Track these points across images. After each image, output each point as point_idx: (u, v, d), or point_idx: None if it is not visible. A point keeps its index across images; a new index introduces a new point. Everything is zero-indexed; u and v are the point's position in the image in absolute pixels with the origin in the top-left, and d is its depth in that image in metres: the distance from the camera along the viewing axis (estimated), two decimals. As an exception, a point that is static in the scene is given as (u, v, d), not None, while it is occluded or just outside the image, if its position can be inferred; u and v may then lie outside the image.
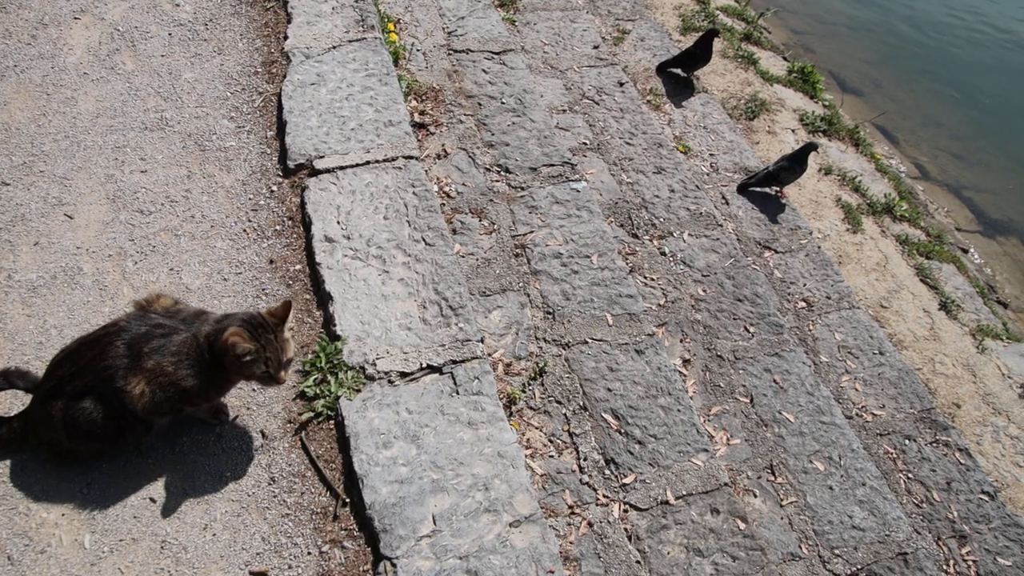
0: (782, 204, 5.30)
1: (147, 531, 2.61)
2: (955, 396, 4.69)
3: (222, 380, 2.63)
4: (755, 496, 3.59)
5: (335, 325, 3.15)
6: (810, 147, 5.20)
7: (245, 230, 3.54)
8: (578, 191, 4.36)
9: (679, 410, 3.52)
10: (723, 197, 5.23)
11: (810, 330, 4.58)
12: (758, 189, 5.31)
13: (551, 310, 3.81)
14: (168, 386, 2.46)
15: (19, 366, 2.80)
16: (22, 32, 4.24)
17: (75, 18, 4.37)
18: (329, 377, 3.01)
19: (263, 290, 3.32)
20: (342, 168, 3.75)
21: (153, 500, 2.68)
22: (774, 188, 5.34)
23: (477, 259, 3.94)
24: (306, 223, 3.54)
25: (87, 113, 3.90)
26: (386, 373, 3.03)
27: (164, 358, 2.44)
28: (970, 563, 3.77)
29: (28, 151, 3.69)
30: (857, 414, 4.24)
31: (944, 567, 3.72)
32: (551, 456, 3.30)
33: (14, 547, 2.52)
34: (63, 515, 2.61)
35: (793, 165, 5.18)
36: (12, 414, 2.74)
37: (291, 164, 3.75)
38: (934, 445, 4.19)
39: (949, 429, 4.27)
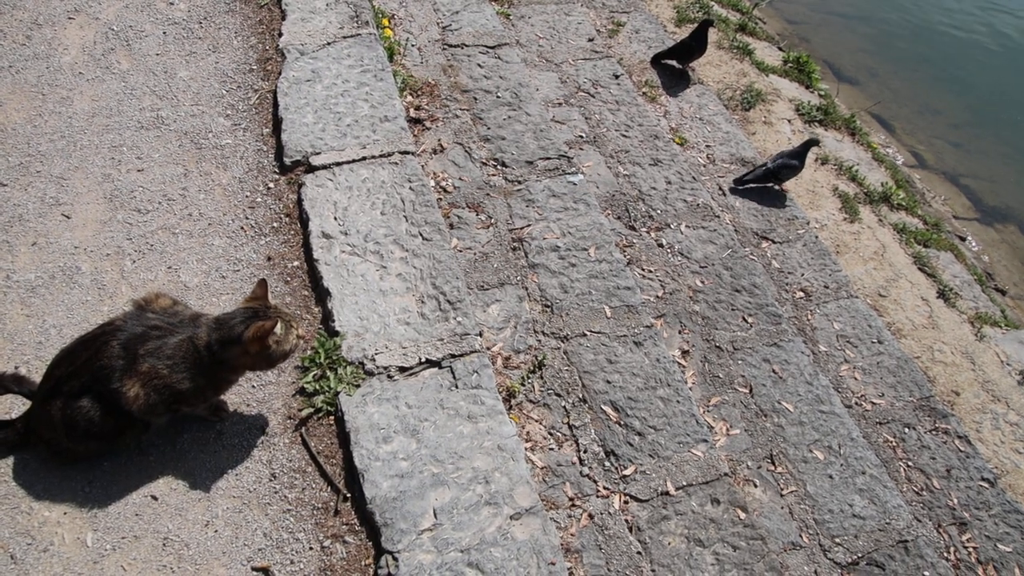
0: (779, 194, 5.30)
1: (149, 528, 2.62)
2: (954, 384, 4.70)
3: (221, 381, 2.64)
4: (755, 486, 3.59)
5: (334, 321, 3.16)
6: (811, 143, 5.20)
7: (242, 227, 3.54)
8: (575, 184, 4.36)
9: (678, 401, 3.53)
10: (720, 188, 5.23)
11: (808, 320, 4.59)
12: (755, 186, 5.29)
13: (549, 303, 3.81)
14: (163, 389, 2.46)
15: (16, 371, 2.80)
16: (16, 32, 4.24)
17: (69, 18, 4.37)
18: (328, 373, 3.01)
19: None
20: (338, 164, 3.75)
21: (155, 497, 2.69)
22: (772, 184, 5.32)
23: (475, 253, 3.95)
24: (303, 220, 3.55)
25: (83, 113, 3.90)
26: (385, 368, 3.04)
27: (159, 361, 2.44)
28: (971, 550, 3.78)
29: (24, 151, 3.69)
30: (856, 403, 4.24)
31: (945, 554, 3.73)
32: (551, 449, 3.31)
33: (17, 546, 2.53)
34: (65, 513, 2.62)
35: (794, 162, 5.17)
36: (14, 416, 2.75)
37: (287, 161, 3.75)
38: (933, 433, 4.20)
39: (948, 417, 4.28)
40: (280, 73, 4.15)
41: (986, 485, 4.04)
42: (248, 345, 2.43)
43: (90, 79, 4.07)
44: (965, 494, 3.99)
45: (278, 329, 2.47)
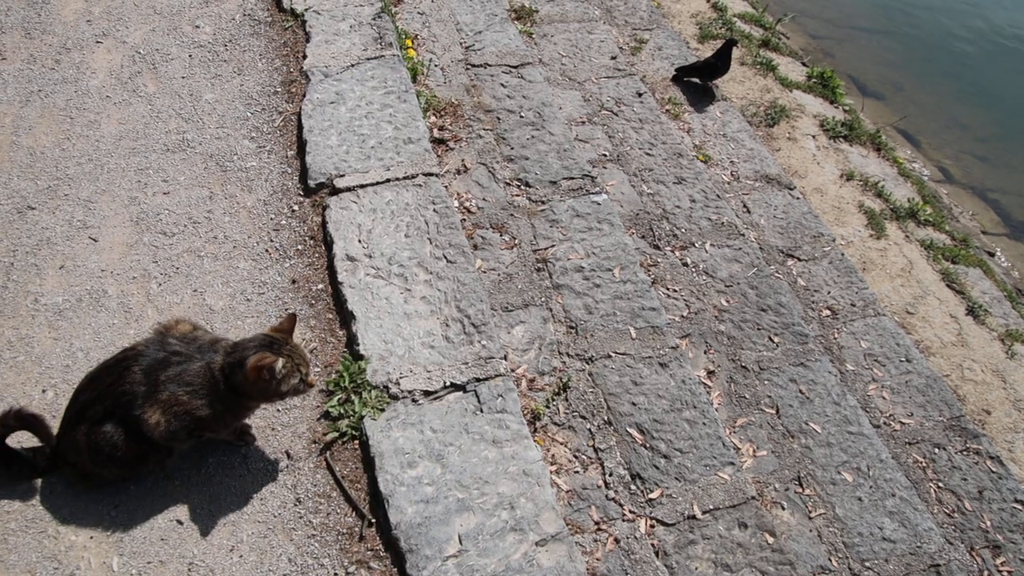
0: (803, 210, 5.25)
1: (175, 553, 2.62)
2: (985, 403, 4.63)
3: (239, 407, 2.63)
4: (783, 509, 3.55)
5: (358, 344, 3.16)
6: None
7: (267, 250, 3.55)
8: (599, 203, 4.35)
9: (704, 423, 3.50)
10: (744, 206, 5.20)
11: (835, 338, 4.53)
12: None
13: (574, 324, 3.80)
14: (183, 415, 2.47)
15: (21, 408, 2.66)
16: (46, 57, 4.30)
17: (97, 42, 4.42)
18: (353, 397, 3.01)
19: (286, 310, 3.33)
20: (362, 186, 3.77)
21: (180, 522, 2.69)
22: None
23: (499, 274, 3.94)
24: (327, 242, 3.56)
25: (110, 136, 3.94)
26: (410, 392, 3.03)
27: (179, 388, 2.45)
28: (1005, 574, 3.71)
29: (53, 175, 3.73)
30: (885, 423, 4.19)
31: (978, 578, 3.66)
32: (576, 472, 3.29)
33: (44, 570, 2.54)
34: (91, 538, 2.63)
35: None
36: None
37: (312, 183, 3.77)
38: (964, 453, 4.13)
39: (980, 436, 4.21)
40: (304, 95, 4.18)
41: (1020, 507, 3.96)
42: (248, 372, 2.41)
43: (117, 102, 4.11)
44: (998, 516, 3.91)
45: (278, 366, 2.43)
